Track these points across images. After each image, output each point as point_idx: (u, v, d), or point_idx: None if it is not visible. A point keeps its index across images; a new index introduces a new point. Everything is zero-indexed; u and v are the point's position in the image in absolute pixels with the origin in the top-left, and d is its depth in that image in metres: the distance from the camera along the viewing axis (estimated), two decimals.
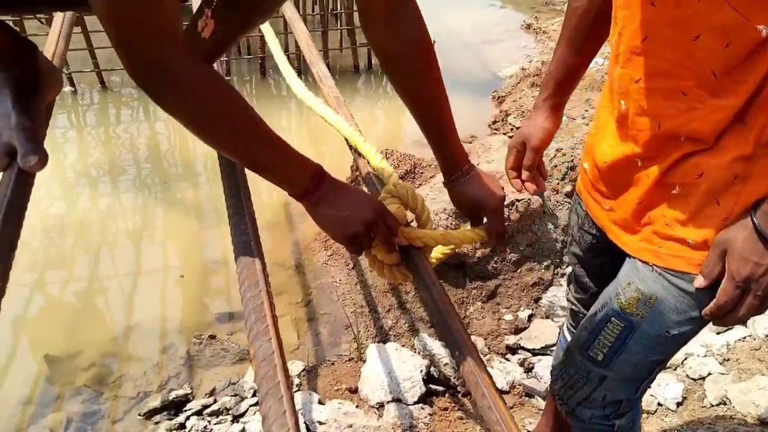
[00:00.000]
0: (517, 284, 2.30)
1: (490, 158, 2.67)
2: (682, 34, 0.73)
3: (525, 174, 1.12)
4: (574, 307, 1.28)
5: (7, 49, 0.89)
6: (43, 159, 0.88)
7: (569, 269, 1.29)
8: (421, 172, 2.91)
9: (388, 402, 1.80)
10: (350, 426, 1.68)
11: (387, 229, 0.88)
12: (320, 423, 1.69)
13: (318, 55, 1.53)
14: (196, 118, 0.74)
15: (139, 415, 1.94)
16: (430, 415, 1.80)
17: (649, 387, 1.09)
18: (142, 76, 0.69)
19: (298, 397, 1.80)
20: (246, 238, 0.81)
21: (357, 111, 4.26)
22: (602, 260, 1.10)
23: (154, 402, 1.95)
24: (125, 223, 2.95)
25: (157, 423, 1.90)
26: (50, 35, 1.25)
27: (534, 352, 2.06)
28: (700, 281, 0.82)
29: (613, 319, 0.95)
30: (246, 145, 0.78)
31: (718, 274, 0.80)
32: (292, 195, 0.84)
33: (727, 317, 0.81)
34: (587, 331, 1.01)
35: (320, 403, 1.78)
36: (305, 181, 0.83)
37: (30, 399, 2.04)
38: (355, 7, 4.57)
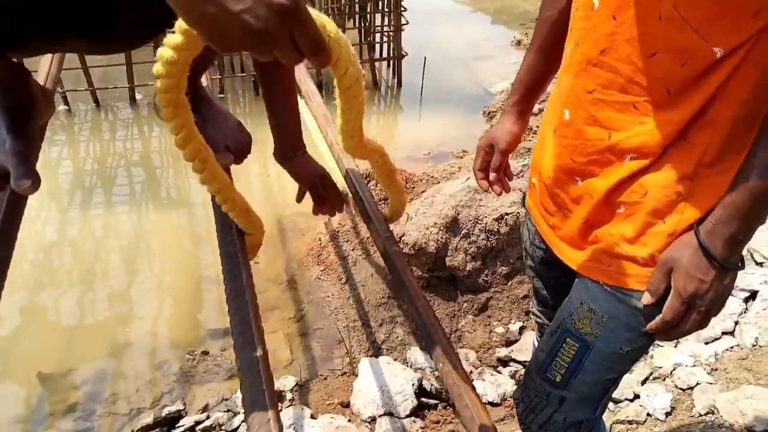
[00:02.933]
0: (507, 297, 2.32)
1: None
2: (640, 50, 0.74)
3: (492, 175, 1.14)
4: (538, 319, 1.29)
5: (1, 76, 0.91)
6: (35, 182, 0.89)
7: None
8: (413, 187, 2.94)
9: (380, 416, 1.81)
10: None
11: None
12: None
13: (306, 73, 1.56)
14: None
15: (132, 431, 1.95)
16: (422, 428, 1.81)
17: (607, 406, 1.09)
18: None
19: (290, 412, 1.81)
20: (233, 250, 0.84)
21: None
22: (556, 273, 1.10)
23: (147, 419, 1.95)
24: (119, 240, 2.96)
25: None
26: (44, 58, 1.28)
27: (525, 365, 2.08)
28: (647, 298, 0.83)
29: (568, 339, 0.95)
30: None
31: (664, 290, 0.81)
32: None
33: (671, 332, 0.83)
34: (544, 353, 1.01)
35: (312, 417, 1.79)
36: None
37: (22, 417, 2.04)
38: (347, 26, 4.64)
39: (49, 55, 1.23)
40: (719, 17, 0.68)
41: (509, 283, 2.34)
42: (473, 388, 0.87)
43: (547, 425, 1.05)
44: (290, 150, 1.21)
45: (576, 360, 0.95)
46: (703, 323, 0.81)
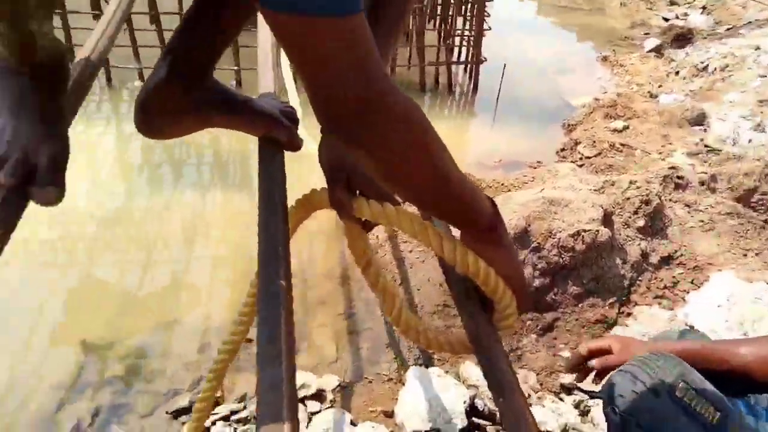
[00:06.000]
0: (576, 320, 2.13)
1: (557, 184, 2.52)
2: None
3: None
4: None
5: (38, 55, 0.78)
6: (60, 195, 0.77)
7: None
8: None
9: (425, 431, 1.66)
10: None
11: None
12: None
13: None
14: (408, 146, 0.67)
15: (166, 413, 1.87)
16: None
17: None
18: (357, 115, 0.62)
19: (330, 415, 1.69)
20: (274, 244, 0.72)
21: None
22: None
23: (183, 401, 1.88)
24: (180, 218, 2.94)
25: (183, 423, 1.82)
26: (93, 34, 1.15)
27: (592, 395, 1.88)
28: None
29: None
30: (440, 171, 0.71)
31: None
32: (478, 228, 0.76)
33: None
34: None
35: (353, 423, 1.66)
36: (487, 205, 0.76)
37: (63, 385, 2.00)
38: (426, 27, 4.53)
39: (99, 32, 1.13)
40: None
41: (580, 305, 2.14)
42: (531, 416, 0.72)
43: None
44: None
45: None
46: None
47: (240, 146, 3.59)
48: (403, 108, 0.65)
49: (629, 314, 2.13)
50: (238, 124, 0.98)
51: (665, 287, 2.17)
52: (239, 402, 1.90)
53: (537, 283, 2.12)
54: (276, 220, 0.80)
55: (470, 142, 4.17)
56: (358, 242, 0.93)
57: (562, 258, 2.13)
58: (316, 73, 0.59)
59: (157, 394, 1.99)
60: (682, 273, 2.19)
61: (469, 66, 4.55)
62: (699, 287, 2.11)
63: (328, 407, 1.75)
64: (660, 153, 3.16)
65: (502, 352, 0.84)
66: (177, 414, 1.86)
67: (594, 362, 1.18)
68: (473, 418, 1.76)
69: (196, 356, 2.17)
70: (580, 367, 1.25)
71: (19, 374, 2.04)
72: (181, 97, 0.89)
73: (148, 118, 0.91)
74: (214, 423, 1.76)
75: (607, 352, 1.19)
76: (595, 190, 2.37)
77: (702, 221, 2.28)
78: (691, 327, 1.26)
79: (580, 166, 3.21)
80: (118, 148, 3.62)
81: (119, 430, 1.83)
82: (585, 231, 2.13)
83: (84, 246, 2.70)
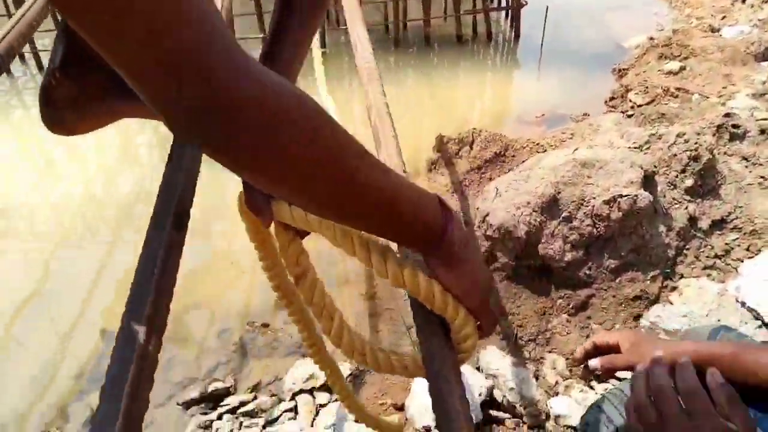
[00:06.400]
0: (613, 297, 1.92)
1: (595, 141, 2.26)
2: None
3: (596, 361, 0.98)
4: None
5: None
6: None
7: None
8: (513, 155, 2.56)
9: (435, 427, 1.53)
10: None
11: None
12: None
13: (359, 12, 1.25)
14: (297, 159, 0.47)
15: (177, 404, 1.84)
16: None
17: None
18: (198, 119, 0.41)
19: (331, 409, 1.59)
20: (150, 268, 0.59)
21: (458, 83, 3.94)
22: None
23: (194, 392, 1.84)
24: (202, 201, 2.88)
25: (192, 416, 1.78)
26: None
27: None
28: None
29: None
30: (356, 177, 0.50)
31: None
32: (425, 241, 0.58)
33: None
34: None
35: (356, 420, 1.56)
36: (433, 213, 0.57)
37: (81, 374, 2.01)
38: None
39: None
40: None
41: (617, 280, 1.93)
42: None
43: None
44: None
45: None
46: None
47: None
48: (275, 102, 0.44)
49: (674, 289, 1.89)
50: (150, 113, 0.84)
51: (716, 256, 1.92)
52: (251, 392, 1.85)
53: (569, 257, 1.92)
54: (160, 237, 0.67)
55: (514, 95, 3.89)
56: (290, 249, 0.79)
57: (597, 228, 1.92)
58: (114, 47, 0.39)
59: (172, 383, 1.96)
60: (736, 239, 1.92)
61: (508, 11, 4.22)
62: (755, 255, 1.84)
63: (336, 399, 1.66)
64: (720, 96, 2.81)
65: (454, 379, 0.70)
66: (188, 405, 1.82)
67: (596, 363, 0.99)
68: (491, 411, 1.62)
69: (212, 341, 2.13)
70: (586, 362, 1.08)
71: (39, 364, 2.06)
72: (82, 83, 0.76)
73: (50, 111, 0.79)
74: (220, 417, 1.71)
75: (615, 349, 1.01)
76: (635, 148, 2.11)
77: (762, 177, 1.98)
78: (727, 327, 1.03)
79: (630, 116, 2.91)
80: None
81: None
82: (621, 196, 1.89)
83: (106, 228, 2.70)
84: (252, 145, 0.44)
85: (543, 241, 1.92)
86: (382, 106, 1.07)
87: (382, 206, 0.54)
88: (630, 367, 0.94)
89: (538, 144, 2.62)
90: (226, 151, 0.44)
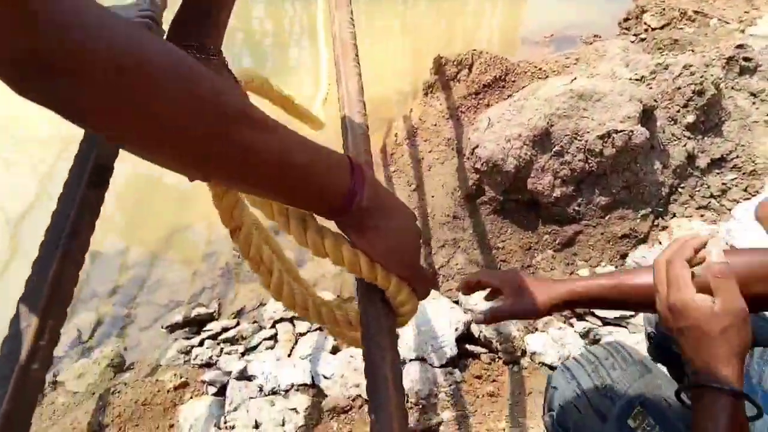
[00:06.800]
0: (601, 234, 1.88)
1: (595, 70, 2.14)
2: None
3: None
4: None
5: None
6: None
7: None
8: (513, 80, 2.44)
9: (410, 360, 1.56)
10: (357, 386, 1.46)
11: None
12: (325, 377, 1.50)
13: None
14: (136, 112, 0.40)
15: (162, 327, 1.88)
16: (458, 383, 1.54)
17: None
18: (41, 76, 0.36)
19: (310, 340, 1.61)
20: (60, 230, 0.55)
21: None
22: None
23: (178, 316, 1.86)
24: None
25: (175, 340, 1.82)
26: None
27: (605, 321, 1.69)
28: None
29: None
30: (233, 138, 0.45)
31: None
32: (330, 208, 0.55)
33: None
34: None
35: (332, 352, 1.58)
36: (341, 174, 0.54)
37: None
38: None
39: None
40: None
41: (607, 217, 1.88)
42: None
43: None
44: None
45: None
46: None
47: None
48: (121, 52, 0.37)
49: (664, 228, 1.85)
50: None
51: (712, 196, 1.86)
52: (234, 318, 1.87)
53: (558, 192, 1.87)
54: (74, 195, 0.63)
55: (523, 13, 3.68)
56: (225, 201, 0.74)
57: (589, 164, 1.85)
58: None
59: (158, 305, 1.99)
60: (734, 179, 1.85)
61: None
62: (752, 197, 1.78)
63: (308, 331, 1.67)
64: (741, 21, 2.63)
65: (388, 345, 0.68)
66: (172, 329, 1.85)
67: (480, 315, 0.94)
68: (467, 345, 1.63)
69: (201, 266, 2.14)
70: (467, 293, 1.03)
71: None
72: None
73: None
74: (201, 342, 1.74)
75: (497, 293, 0.95)
76: (637, 79, 2.00)
77: None
78: None
79: (642, 40, 2.75)
80: None
81: None
82: (616, 132, 1.81)
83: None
84: (100, 107, 0.38)
85: (532, 175, 1.87)
86: (347, 36, 0.99)
87: (270, 168, 0.49)
88: (513, 316, 0.90)
89: (540, 69, 2.49)
90: (72, 113, 0.39)
